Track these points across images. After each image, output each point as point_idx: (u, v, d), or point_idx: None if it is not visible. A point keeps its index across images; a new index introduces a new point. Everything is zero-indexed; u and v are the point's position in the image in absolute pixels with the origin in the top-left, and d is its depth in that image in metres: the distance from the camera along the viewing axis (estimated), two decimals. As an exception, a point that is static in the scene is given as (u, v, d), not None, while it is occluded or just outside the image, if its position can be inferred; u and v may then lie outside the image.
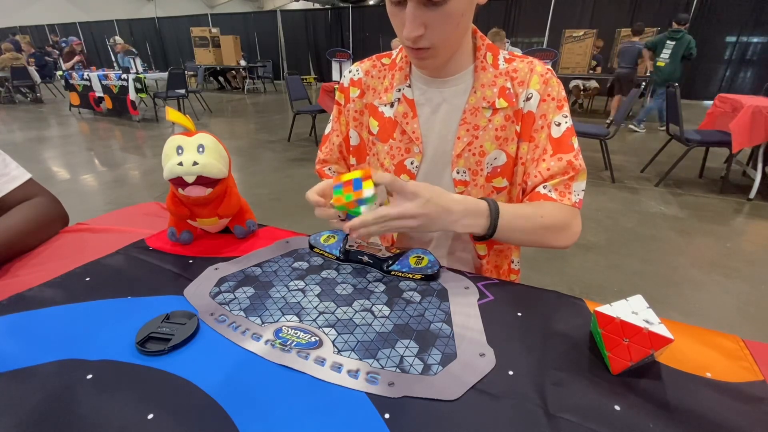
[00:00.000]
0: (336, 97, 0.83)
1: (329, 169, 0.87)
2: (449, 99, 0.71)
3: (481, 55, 0.69)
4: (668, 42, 4.96)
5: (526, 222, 0.64)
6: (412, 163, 0.74)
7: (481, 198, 0.62)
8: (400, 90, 0.73)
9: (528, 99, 0.69)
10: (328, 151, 0.86)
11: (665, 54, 5.01)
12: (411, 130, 0.72)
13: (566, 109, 0.69)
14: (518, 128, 0.70)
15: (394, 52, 0.77)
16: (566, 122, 0.69)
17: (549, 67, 0.71)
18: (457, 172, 0.72)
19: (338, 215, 0.58)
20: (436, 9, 0.55)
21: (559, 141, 0.68)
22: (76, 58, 7.75)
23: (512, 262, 0.83)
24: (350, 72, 0.80)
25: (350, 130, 0.81)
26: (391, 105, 0.74)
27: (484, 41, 0.70)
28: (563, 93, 0.69)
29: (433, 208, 0.55)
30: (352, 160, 0.83)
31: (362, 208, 0.54)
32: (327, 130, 0.86)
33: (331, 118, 0.85)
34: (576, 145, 0.69)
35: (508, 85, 0.69)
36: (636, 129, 5.59)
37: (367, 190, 0.54)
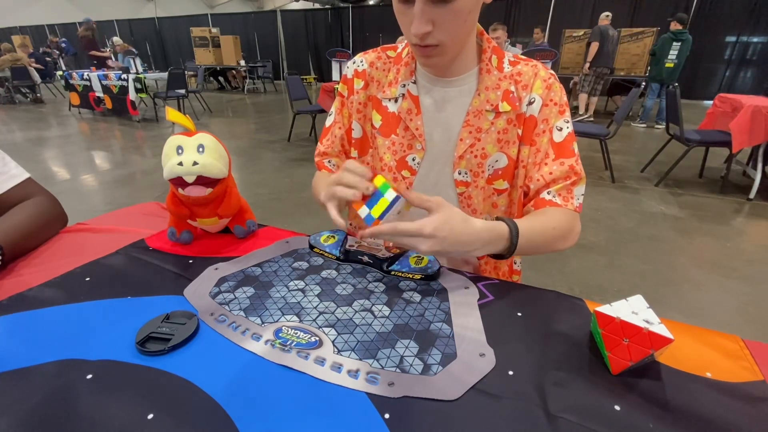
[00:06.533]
0: (339, 89, 0.82)
1: (329, 161, 0.84)
2: (453, 99, 0.71)
3: (487, 57, 0.69)
4: (674, 43, 5.07)
5: (541, 236, 0.64)
6: (413, 160, 0.74)
7: (499, 218, 0.61)
8: (405, 86, 0.73)
9: (531, 103, 0.69)
10: (329, 144, 0.84)
11: (673, 55, 5.12)
12: (414, 126, 0.72)
13: (567, 114, 0.70)
14: (520, 132, 0.70)
15: (400, 46, 0.77)
16: (567, 127, 0.69)
17: (552, 71, 0.71)
18: (459, 173, 0.72)
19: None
20: (444, 6, 0.56)
21: (561, 146, 0.68)
22: (111, 63, 7.16)
23: (514, 264, 0.83)
24: (354, 63, 0.79)
25: (353, 122, 0.80)
26: (395, 100, 0.74)
27: (490, 44, 0.70)
28: (565, 98, 0.70)
29: (449, 235, 0.53)
30: (354, 153, 0.82)
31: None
32: (328, 123, 0.85)
33: (332, 110, 0.84)
34: (576, 150, 0.69)
35: (512, 88, 0.69)
36: (639, 125, 5.81)
37: (388, 193, 0.54)
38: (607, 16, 5.64)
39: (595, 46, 5.59)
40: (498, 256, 0.62)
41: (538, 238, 0.63)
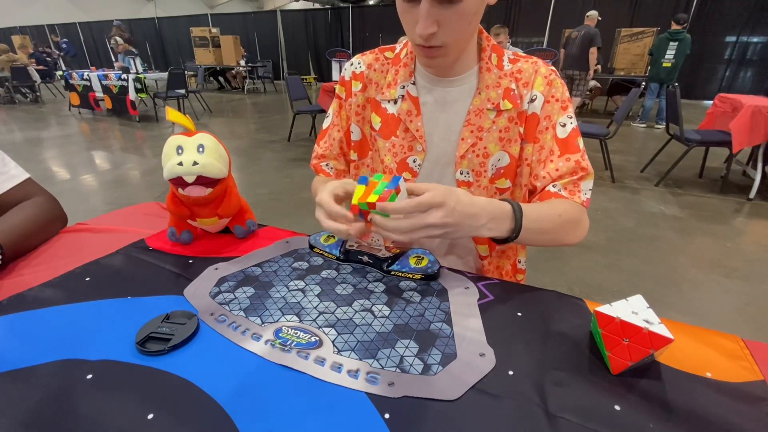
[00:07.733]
0: (336, 91, 0.81)
1: (326, 164, 0.84)
2: (454, 99, 0.71)
3: (486, 56, 0.69)
4: (671, 43, 5.12)
5: (547, 221, 0.63)
6: (414, 161, 0.74)
7: (503, 199, 0.61)
8: (404, 87, 0.72)
9: (532, 101, 0.69)
10: (327, 146, 0.83)
11: (670, 55, 5.17)
12: (415, 128, 0.72)
13: (570, 110, 0.69)
14: (522, 130, 0.70)
15: (398, 47, 0.76)
16: (571, 123, 0.69)
17: (553, 68, 0.71)
18: (461, 173, 0.72)
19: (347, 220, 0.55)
20: (451, 7, 0.55)
21: (566, 142, 0.68)
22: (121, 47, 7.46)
23: (518, 263, 0.83)
24: (352, 65, 0.78)
25: (352, 125, 0.79)
26: (395, 101, 0.73)
27: (490, 42, 0.70)
28: (567, 94, 0.69)
29: (457, 205, 0.53)
30: (353, 156, 0.81)
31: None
32: (325, 125, 0.84)
33: (330, 112, 0.83)
34: (581, 146, 0.69)
35: (513, 86, 0.68)
36: (639, 125, 5.88)
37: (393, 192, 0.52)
38: (587, 16, 5.63)
39: (562, 53, 6.01)
40: (504, 241, 0.61)
41: (543, 221, 0.62)
